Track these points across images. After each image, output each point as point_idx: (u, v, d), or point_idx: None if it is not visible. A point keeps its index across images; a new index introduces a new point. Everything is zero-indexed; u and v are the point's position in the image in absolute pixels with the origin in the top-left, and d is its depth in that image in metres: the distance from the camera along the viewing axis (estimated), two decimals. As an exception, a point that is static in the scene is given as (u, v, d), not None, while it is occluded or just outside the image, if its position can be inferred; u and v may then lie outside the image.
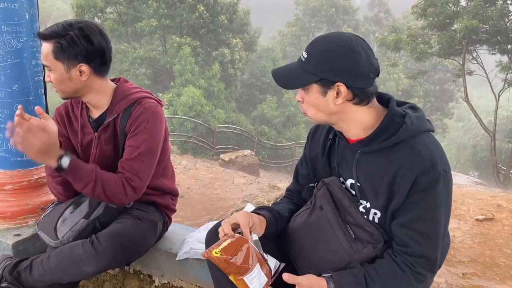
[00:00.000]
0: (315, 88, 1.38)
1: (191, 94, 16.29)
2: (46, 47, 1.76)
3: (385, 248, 1.46)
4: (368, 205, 1.46)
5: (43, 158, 1.67)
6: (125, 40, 21.31)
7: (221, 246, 1.37)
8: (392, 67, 17.94)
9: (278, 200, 3.93)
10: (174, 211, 2.23)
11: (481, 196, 6.23)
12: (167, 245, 2.17)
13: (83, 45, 1.75)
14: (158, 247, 2.16)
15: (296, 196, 1.79)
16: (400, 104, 1.49)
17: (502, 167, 16.51)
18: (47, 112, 2.42)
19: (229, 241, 1.39)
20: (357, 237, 1.47)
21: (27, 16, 2.24)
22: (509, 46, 14.00)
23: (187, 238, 2.13)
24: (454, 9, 14.49)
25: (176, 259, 2.08)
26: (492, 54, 15.61)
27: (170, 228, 2.27)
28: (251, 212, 1.59)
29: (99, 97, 1.90)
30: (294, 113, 22.49)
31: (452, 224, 4.80)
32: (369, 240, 1.46)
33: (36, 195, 2.35)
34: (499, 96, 14.91)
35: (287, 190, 1.85)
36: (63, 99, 1.92)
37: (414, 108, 1.47)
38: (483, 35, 14.99)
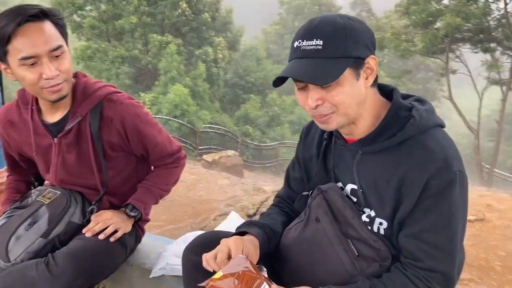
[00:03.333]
0: (348, 73, 1.12)
1: (179, 93, 15.94)
2: (47, 27, 1.45)
3: (391, 265, 1.23)
4: (373, 213, 1.23)
5: (126, 223, 1.75)
6: (105, 38, 20.82)
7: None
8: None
9: (264, 203, 3.69)
10: (147, 220, 1.98)
11: (469, 195, 6.11)
12: (140, 259, 1.92)
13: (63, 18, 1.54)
14: (130, 262, 1.91)
15: (288, 204, 1.55)
16: (405, 97, 1.28)
17: (486, 166, 16.59)
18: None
19: (234, 280, 1.11)
20: (360, 254, 1.25)
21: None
22: (491, 45, 14.04)
23: (163, 252, 1.88)
24: (437, 7, 14.48)
25: (151, 276, 1.84)
26: (475, 52, 15.66)
27: (143, 239, 2.01)
28: (239, 230, 1.35)
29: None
30: (278, 113, 22.31)
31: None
32: (375, 258, 1.24)
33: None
34: (482, 95, 14.94)
35: (277, 196, 1.61)
36: (59, 99, 1.56)
37: (421, 100, 1.26)
38: (465, 34, 15.02)
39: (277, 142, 20.13)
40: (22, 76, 1.46)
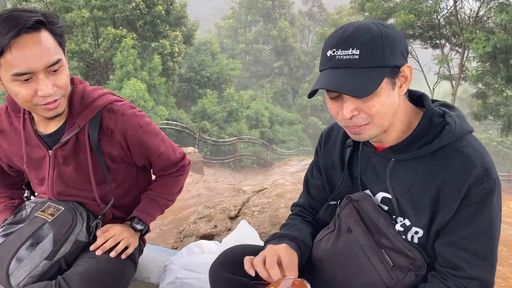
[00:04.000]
0: (385, 83, 1.09)
1: (135, 88, 15.45)
2: (44, 38, 1.30)
3: (426, 274, 1.23)
4: (408, 222, 1.22)
5: (135, 238, 1.67)
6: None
7: None
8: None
9: (245, 204, 3.64)
10: (149, 231, 1.89)
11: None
12: (144, 273, 1.83)
13: (61, 24, 1.39)
14: (133, 277, 1.80)
15: (310, 214, 1.52)
16: (431, 102, 1.28)
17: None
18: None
19: None
20: (395, 264, 1.23)
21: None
22: (441, 41, 14.64)
23: (169, 264, 1.80)
24: (390, 4, 14.90)
25: (158, 291, 1.75)
26: (425, 48, 16.27)
27: (143, 251, 1.92)
28: (270, 244, 1.29)
29: None
30: (236, 108, 22.22)
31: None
32: (410, 267, 1.23)
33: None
34: (433, 89, 15.57)
35: (297, 205, 1.57)
36: (56, 116, 1.43)
37: (449, 106, 1.26)
38: (416, 30, 15.56)
39: (235, 138, 20.09)
40: (14, 92, 1.32)
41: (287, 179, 4.16)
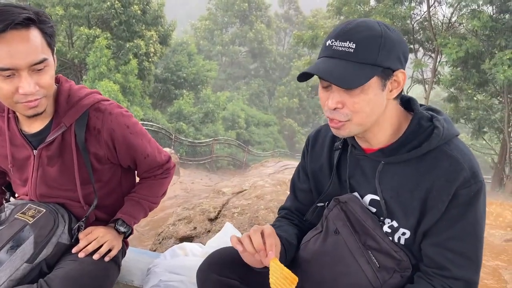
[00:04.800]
0: (374, 82, 1.11)
1: (108, 89, 15.18)
2: (32, 36, 1.27)
3: (412, 275, 1.25)
4: (396, 224, 1.23)
5: (118, 240, 1.65)
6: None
7: None
8: (308, 64, 18.34)
9: (225, 205, 3.63)
10: (132, 233, 1.86)
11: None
12: (127, 276, 1.80)
13: (54, 24, 1.37)
14: (116, 280, 1.77)
15: (296, 216, 1.52)
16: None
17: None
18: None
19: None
20: (381, 265, 1.25)
21: None
22: (415, 46, 14.95)
23: (153, 267, 1.78)
24: (366, 9, 15.13)
25: (142, 294, 1.72)
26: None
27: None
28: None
29: None
30: (212, 109, 22.15)
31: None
32: (395, 268, 1.24)
33: None
34: (407, 93, 15.89)
35: (284, 208, 1.57)
36: (35, 115, 1.40)
37: (435, 110, 1.29)
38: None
39: (211, 139, 20.01)
40: None
41: (266, 180, 4.17)
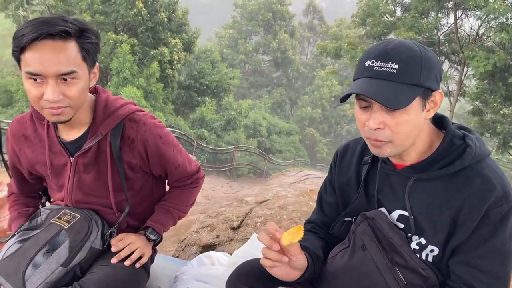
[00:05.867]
0: (416, 102, 1.13)
1: (131, 95, 15.45)
2: (67, 48, 1.33)
3: None
4: (424, 241, 1.25)
5: (148, 247, 1.69)
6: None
7: None
8: (331, 74, 18.28)
9: (248, 215, 3.65)
10: (161, 241, 1.90)
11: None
12: (155, 283, 1.84)
13: (98, 40, 1.44)
14: (145, 286, 1.81)
15: (323, 230, 1.54)
16: None
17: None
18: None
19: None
20: (408, 282, 1.26)
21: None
22: (440, 58, 14.75)
23: (180, 275, 1.82)
24: (391, 20, 15.01)
25: (169, 301, 1.76)
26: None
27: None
28: None
29: (81, 113, 1.52)
30: (234, 117, 22.25)
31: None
32: (422, 285, 1.26)
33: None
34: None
35: (310, 222, 1.59)
36: (59, 122, 1.47)
37: (467, 129, 1.30)
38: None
39: (232, 146, 20.09)
40: (27, 89, 1.37)
41: (289, 191, 4.18)
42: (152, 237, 1.69)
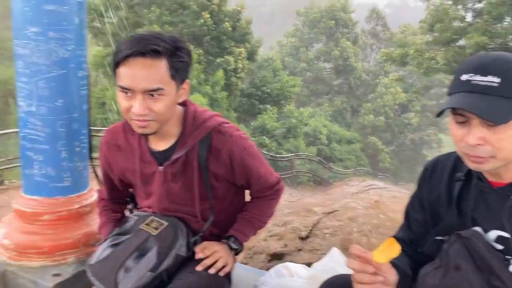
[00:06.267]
0: None
1: (197, 102, 15.92)
2: (157, 66, 1.42)
3: None
4: None
5: (231, 257, 1.71)
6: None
7: None
8: (396, 81, 17.78)
9: (316, 225, 3.61)
10: (242, 250, 1.93)
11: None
12: (235, 292, 1.86)
13: (190, 59, 1.52)
14: (224, 295, 1.85)
15: (410, 248, 1.49)
16: None
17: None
18: (89, 133, 2.12)
19: None
20: None
21: (76, 21, 1.95)
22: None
23: (260, 285, 1.83)
24: (461, 25, 14.41)
25: (250, 310, 1.78)
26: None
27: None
28: None
29: (170, 125, 1.60)
30: (295, 124, 22.25)
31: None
32: None
33: (76, 227, 2.04)
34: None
35: (397, 239, 1.54)
36: (144, 134, 1.58)
37: None
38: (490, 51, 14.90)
39: (292, 154, 20.06)
40: (119, 100, 1.47)
41: (358, 202, 4.11)
42: (234, 246, 1.72)
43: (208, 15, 18.58)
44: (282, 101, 24.60)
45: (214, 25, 19.13)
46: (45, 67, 1.88)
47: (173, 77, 1.46)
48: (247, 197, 1.87)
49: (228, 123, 1.70)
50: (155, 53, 1.40)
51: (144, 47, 1.39)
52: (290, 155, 19.91)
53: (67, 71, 1.93)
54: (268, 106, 23.23)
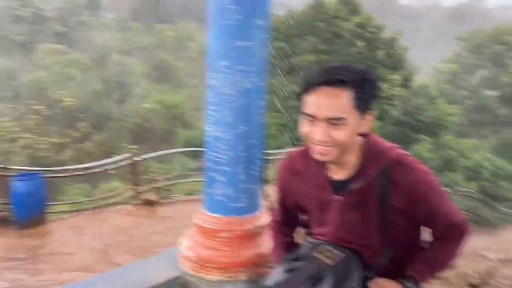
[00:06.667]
0: None
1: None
2: (341, 95, 1.46)
3: None
4: None
5: None
6: (281, 73, 21.93)
7: None
8: None
9: (491, 273, 3.23)
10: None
11: None
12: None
13: (375, 91, 1.55)
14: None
15: None
16: None
17: None
18: (263, 158, 2.24)
19: None
20: None
21: (259, 55, 2.10)
22: None
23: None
24: None
25: None
26: None
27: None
28: None
29: (350, 154, 1.60)
30: (454, 156, 20.53)
31: None
32: None
33: (249, 247, 2.16)
34: None
35: None
36: (322, 161, 1.61)
37: None
38: None
39: (450, 189, 18.46)
40: (301, 124, 1.53)
41: (542, 251, 3.57)
42: (410, 286, 1.62)
43: (362, 43, 18.49)
44: (437, 131, 22.97)
45: (368, 53, 18.93)
46: (230, 97, 2.06)
47: (356, 107, 1.47)
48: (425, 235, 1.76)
49: (409, 155, 1.63)
50: (341, 83, 1.44)
51: (332, 77, 1.45)
52: (447, 190, 18.39)
53: (249, 101, 2.08)
54: (423, 135, 21.90)
